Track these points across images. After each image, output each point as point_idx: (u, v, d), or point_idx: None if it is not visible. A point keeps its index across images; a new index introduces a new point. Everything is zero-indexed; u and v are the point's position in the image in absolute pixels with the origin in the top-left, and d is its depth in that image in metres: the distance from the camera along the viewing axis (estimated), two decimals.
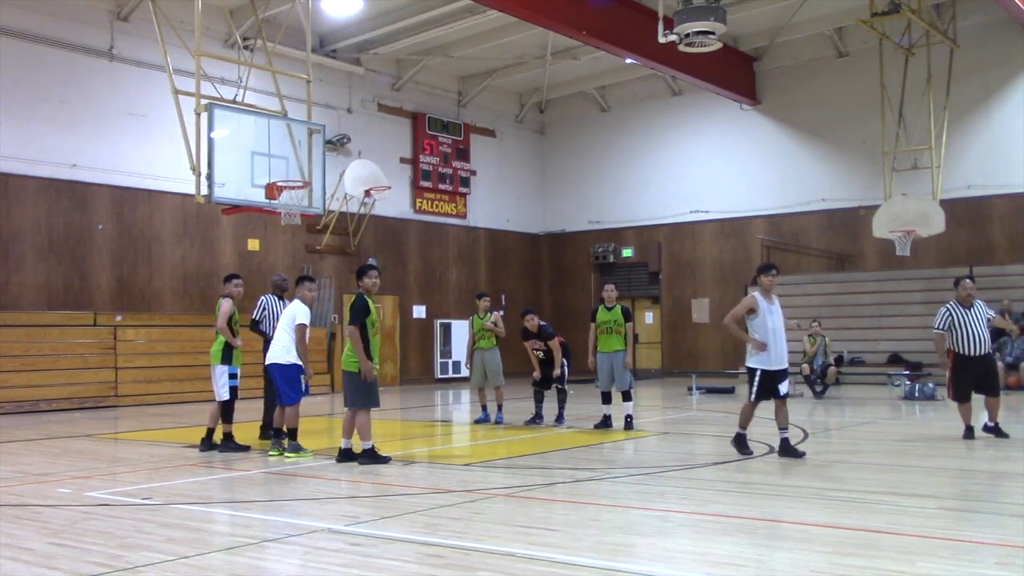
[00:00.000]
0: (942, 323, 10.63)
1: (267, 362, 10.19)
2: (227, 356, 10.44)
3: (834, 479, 8.25)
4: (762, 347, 9.27)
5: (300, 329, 9.84)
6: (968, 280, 10.79)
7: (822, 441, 11.48)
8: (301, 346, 9.85)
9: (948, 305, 10.74)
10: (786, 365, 9.48)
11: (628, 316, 12.34)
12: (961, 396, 10.69)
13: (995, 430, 10.64)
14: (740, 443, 9.61)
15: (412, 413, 16.40)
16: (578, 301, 27.04)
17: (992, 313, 10.90)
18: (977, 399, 10.79)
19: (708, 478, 8.45)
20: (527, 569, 5.11)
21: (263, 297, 11.39)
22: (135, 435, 12.88)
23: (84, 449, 11.17)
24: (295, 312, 9.94)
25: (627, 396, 12.23)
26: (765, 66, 24.82)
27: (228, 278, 10.93)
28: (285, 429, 10.01)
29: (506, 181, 27.66)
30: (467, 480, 8.37)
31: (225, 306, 10.51)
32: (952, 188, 21.48)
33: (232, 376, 10.46)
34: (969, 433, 10.59)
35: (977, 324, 10.50)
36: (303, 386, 9.98)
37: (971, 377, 10.59)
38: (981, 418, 10.92)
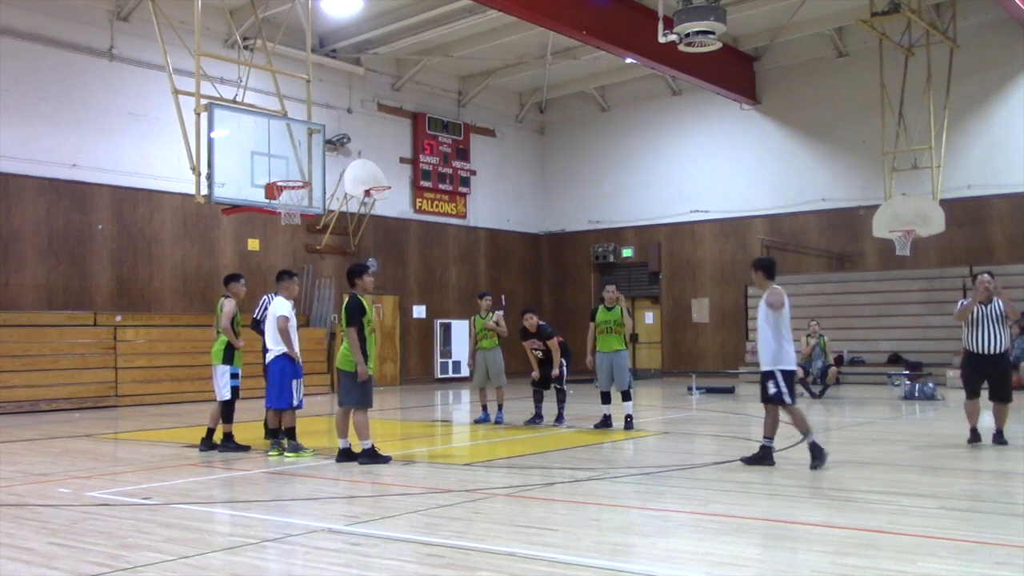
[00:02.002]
0: (959, 306, 10.35)
1: (266, 361, 10.21)
2: (229, 356, 10.44)
3: (834, 479, 8.25)
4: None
5: (281, 320, 9.89)
6: (986, 275, 10.32)
7: (822, 441, 11.45)
8: (285, 337, 9.87)
9: (965, 300, 10.62)
10: (761, 367, 8.88)
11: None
12: (968, 390, 10.27)
13: (997, 435, 10.13)
14: (812, 449, 8.72)
15: (412, 413, 16.40)
16: (578, 301, 27.04)
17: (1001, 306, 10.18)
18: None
19: (708, 478, 8.45)
20: (528, 569, 5.11)
21: (265, 296, 11.38)
22: (135, 435, 12.88)
23: (84, 449, 11.17)
24: (276, 307, 10.02)
25: (627, 396, 12.23)
26: (765, 66, 24.82)
27: (231, 278, 10.92)
28: (282, 429, 10.02)
29: (506, 181, 27.66)
30: (467, 480, 8.37)
31: (228, 306, 10.50)
32: (952, 188, 21.48)
33: (234, 376, 10.46)
34: (974, 436, 10.16)
35: (991, 320, 10.03)
36: (295, 392, 9.94)
37: (979, 374, 10.18)
38: (986, 422, 10.70)
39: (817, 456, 8.61)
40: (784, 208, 24.52)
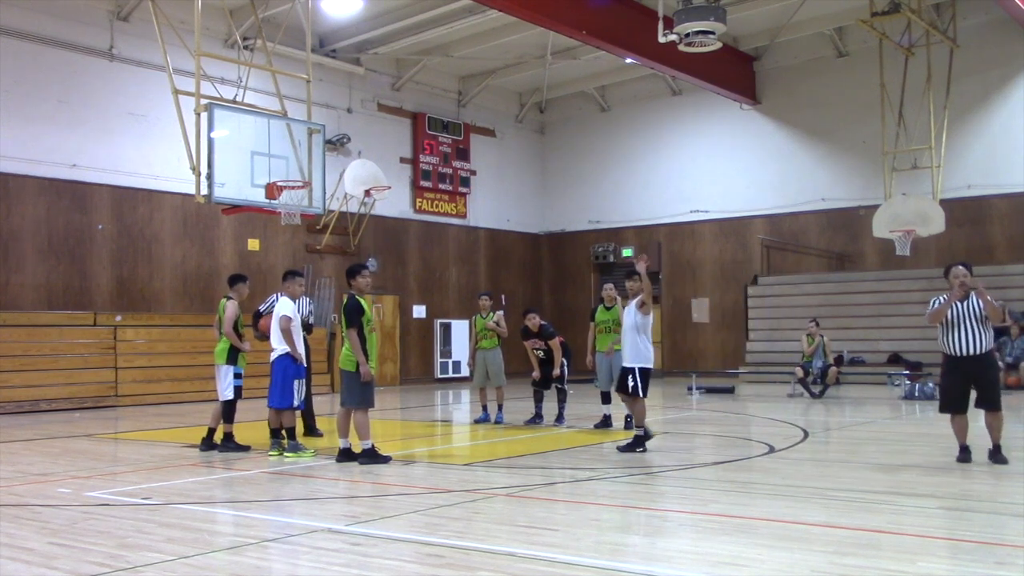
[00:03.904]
0: (932, 307, 9.00)
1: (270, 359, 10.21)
2: (232, 356, 10.43)
3: (834, 479, 8.26)
4: None
5: (283, 320, 9.90)
6: (960, 267, 8.94)
7: (822, 441, 11.48)
8: (287, 337, 9.88)
9: (940, 296, 9.12)
10: (624, 363, 10.06)
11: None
12: (950, 405, 8.83)
13: (994, 452, 8.74)
14: (638, 437, 10.02)
15: (412, 413, 16.40)
16: (578, 301, 27.03)
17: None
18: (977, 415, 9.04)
19: (708, 478, 8.46)
20: (528, 569, 5.11)
21: (274, 295, 11.34)
22: (135, 435, 12.88)
23: (84, 449, 11.17)
24: (279, 307, 10.07)
25: (606, 398, 12.25)
26: (765, 66, 24.82)
27: (235, 279, 10.89)
28: (283, 431, 10.03)
29: (506, 181, 27.66)
30: (467, 480, 8.37)
31: (230, 309, 10.45)
32: (952, 188, 21.48)
33: (237, 376, 10.46)
34: (965, 455, 8.81)
35: (971, 319, 8.71)
36: (295, 392, 9.95)
37: (961, 382, 8.76)
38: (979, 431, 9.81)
39: (638, 443, 9.81)
40: (784, 208, 24.52)
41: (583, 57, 24.02)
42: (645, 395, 9.90)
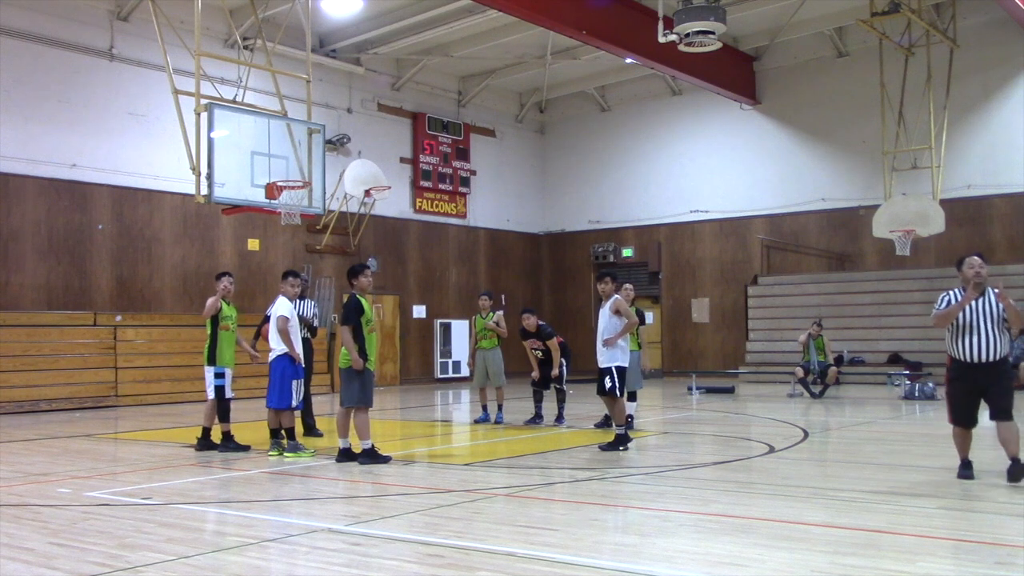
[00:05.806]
0: (941, 305, 7.89)
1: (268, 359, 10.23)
2: (212, 357, 10.47)
3: (834, 479, 8.26)
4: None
5: (280, 320, 9.93)
6: (976, 257, 7.79)
7: (822, 441, 11.48)
8: (284, 337, 9.91)
9: (950, 292, 7.94)
10: (600, 364, 10.14)
11: (641, 318, 12.20)
12: (957, 416, 7.88)
13: (1013, 467, 7.61)
14: (618, 437, 10.20)
15: (412, 413, 16.40)
16: (578, 301, 27.02)
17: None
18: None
19: (708, 478, 8.46)
20: (527, 569, 5.11)
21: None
22: (135, 435, 12.88)
23: (84, 449, 11.17)
24: (277, 307, 10.11)
25: (632, 396, 12.21)
26: (765, 66, 24.82)
27: (219, 276, 10.94)
28: (283, 432, 10.03)
29: (506, 181, 27.66)
30: (467, 480, 8.37)
31: (208, 303, 10.56)
32: (952, 188, 21.49)
33: (219, 376, 10.47)
34: (966, 471, 7.87)
35: (986, 321, 7.63)
36: (293, 393, 9.96)
37: (972, 391, 7.78)
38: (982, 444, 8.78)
39: (620, 442, 9.97)
40: (784, 208, 24.52)
41: (583, 57, 24.02)
42: (623, 395, 10.21)
